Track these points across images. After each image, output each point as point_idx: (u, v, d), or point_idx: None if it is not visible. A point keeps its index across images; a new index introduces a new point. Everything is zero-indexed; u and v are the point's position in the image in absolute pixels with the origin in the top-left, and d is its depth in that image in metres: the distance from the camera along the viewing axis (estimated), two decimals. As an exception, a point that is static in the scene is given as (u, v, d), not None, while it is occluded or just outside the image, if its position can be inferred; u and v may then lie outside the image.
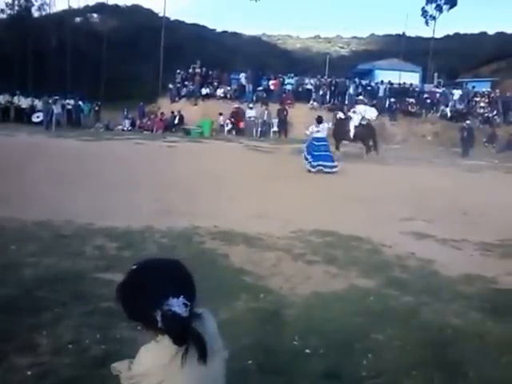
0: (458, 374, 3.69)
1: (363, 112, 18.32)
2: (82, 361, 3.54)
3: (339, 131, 17.68)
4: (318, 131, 14.18)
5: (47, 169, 11.58)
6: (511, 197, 11.62)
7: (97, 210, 8.07)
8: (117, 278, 5.34)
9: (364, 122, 17.88)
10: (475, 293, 5.33)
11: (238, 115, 25.55)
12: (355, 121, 17.73)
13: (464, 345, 4.12)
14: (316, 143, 13.95)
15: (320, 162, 13.76)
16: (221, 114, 25.56)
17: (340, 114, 18.57)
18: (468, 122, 23.52)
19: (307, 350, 3.83)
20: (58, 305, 4.39)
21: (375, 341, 4.08)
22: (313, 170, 13.73)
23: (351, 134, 17.61)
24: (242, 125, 25.58)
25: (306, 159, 14.03)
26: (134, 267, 1.61)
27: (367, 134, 17.92)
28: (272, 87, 28.23)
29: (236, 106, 26.11)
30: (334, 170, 13.90)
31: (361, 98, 24.01)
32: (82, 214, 7.62)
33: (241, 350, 3.57)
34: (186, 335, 1.50)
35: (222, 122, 25.77)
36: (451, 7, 55.48)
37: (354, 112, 18.18)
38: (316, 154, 13.81)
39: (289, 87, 28.59)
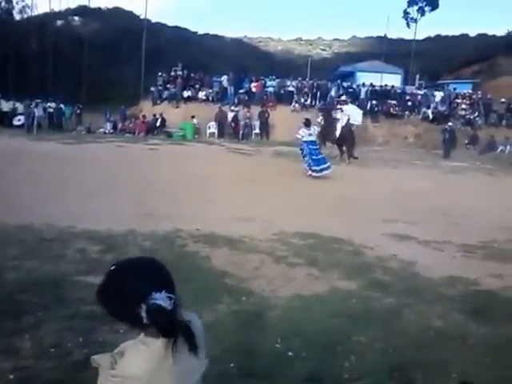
0: (441, 375, 3.72)
1: (351, 112, 18.43)
2: (64, 364, 3.52)
3: (327, 132, 17.68)
4: (310, 134, 14.09)
5: (29, 172, 11.45)
6: (493, 198, 11.79)
7: (79, 213, 8.02)
8: (98, 282, 5.31)
9: (350, 124, 18.02)
10: (457, 294, 5.38)
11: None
12: (343, 122, 17.82)
13: (446, 346, 4.15)
14: (312, 147, 13.90)
15: (322, 166, 13.77)
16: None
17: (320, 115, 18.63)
18: (450, 123, 23.76)
19: (289, 353, 3.83)
20: (40, 308, 4.36)
21: (357, 343, 4.09)
22: (317, 174, 13.66)
23: (337, 134, 17.67)
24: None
25: (309, 165, 13.86)
26: (113, 267, 1.61)
27: (349, 137, 18.02)
28: (254, 89, 28.23)
29: (219, 107, 26.04)
30: (330, 170, 13.95)
31: (343, 98, 24.10)
32: (64, 217, 7.56)
33: (222, 353, 3.57)
34: (173, 327, 1.49)
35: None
36: (433, 9, 56.11)
37: (342, 111, 18.23)
38: (316, 158, 13.79)
39: (270, 89, 28.60)
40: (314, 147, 13.95)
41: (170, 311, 1.49)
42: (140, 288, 1.52)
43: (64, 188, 10.07)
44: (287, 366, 3.68)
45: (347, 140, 17.98)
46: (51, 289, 4.80)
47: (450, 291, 5.45)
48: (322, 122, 17.96)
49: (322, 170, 13.75)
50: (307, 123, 14.39)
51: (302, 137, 14.12)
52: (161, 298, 1.49)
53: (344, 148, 18.07)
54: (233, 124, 25.30)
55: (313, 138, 14.10)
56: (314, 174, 13.64)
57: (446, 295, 5.31)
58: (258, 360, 3.71)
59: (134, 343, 1.57)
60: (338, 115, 18.24)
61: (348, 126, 17.92)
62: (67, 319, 4.19)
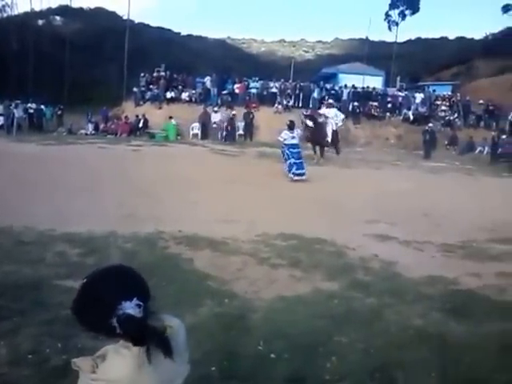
0: (421, 375, 3.75)
1: (334, 116, 18.54)
2: (42, 371, 3.46)
3: (318, 137, 17.66)
4: (293, 137, 13.91)
5: (8, 174, 11.31)
6: (472, 198, 11.93)
7: (59, 215, 7.92)
8: (78, 285, 5.26)
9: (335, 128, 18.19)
10: (437, 294, 5.43)
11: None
12: (333, 126, 17.94)
13: (426, 345, 4.18)
14: (294, 150, 13.74)
15: (301, 171, 13.63)
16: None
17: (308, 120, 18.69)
18: (430, 124, 24.01)
19: (272, 355, 3.83)
20: (18, 313, 4.29)
21: (339, 344, 4.11)
22: (297, 178, 13.50)
23: (328, 139, 17.78)
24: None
25: (290, 168, 13.68)
26: (83, 281, 1.61)
27: (335, 138, 18.24)
28: (237, 91, 28.21)
29: (203, 108, 25.98)
30: (304, 177, 13.74)
31: (330, 101, 24.27)
32: (44, 219, 7.46)
33: (204, 356, 3.55)
34: (143, 335, 1.49)
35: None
36: (413, 13, 56.78)
37: (326, 117, 18.31)
38: (297, 162, 13.64)
39: (254, 91, 28.61)
40: (296, 150, 13.81)
41: (139, 319, 1.49)
42: (110, 299, 1.52)
43: (44, 190, 9.96)
44: (269, 368, 3.68)
45: (334, 141, 18.28)
46: (29, 293, 4.72)
47: (430, 291, 5.50)
48: (312, 127, 17.97)
49: (301, 175, 13.63)
50: (291, 126, 14.25)
51: (285, 139, 13.99)
52: (130, 307, 1.50)
53: (318, 148, 18.10)
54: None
55: (295, 141, 13.95)
56: (294, 177, 13.54)
57: (426, 295, 5.36)
58: (239, 362, 3.70)
59: (115, 347, 1.57)
60: (326, 119, 18.38)
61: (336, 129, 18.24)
62: (46, 324, 4.12)
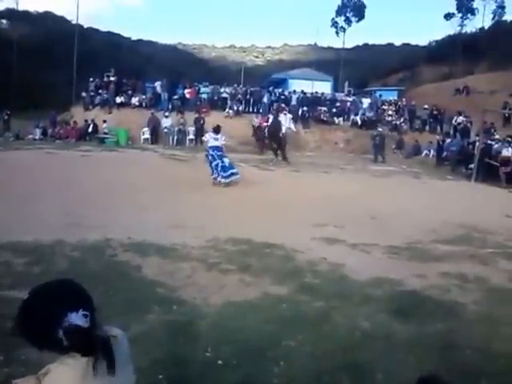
0: (367, 376, 3.84)
1: (284, 122, 18.87)
2: (-18, 386, 3.36)
3: (273, 132, 18.30)
4: (215, 139, 13.65)
5: None
6: (418, 200, 12.29)
7: (2, 223, 7.67)
8: (24, 296, 5.13)
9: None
10: (383, 295, 5.55)
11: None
12: (286, 124, 18.35)
13: (372, 347, 4.28)
14: (217, 153, 13.53)
15: (231, 171, 13.47)
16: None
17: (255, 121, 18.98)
18: (380, 129, 24.57)
19: (219, 361, 3.83)
20: (-43, 327, 4.13)
21: (287, 348, 4.15)
22: (226, 180, 13.32)
23: (281, 136, 18.24)
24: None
25: (214, 171, 13.45)
26: (26, 297, 1.59)
27: (283, 142, 18.62)
28: (188, 96, 28.09)
29: (152, 113, 25.72)
30: (238, 176, 13.65)
31: (283, 105, 24.63)
32: (-14, 229, 7.23)
33: (151, 365, 3.53)
34: (91, 345, 1.50)
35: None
36: (359, 20, 58.13)
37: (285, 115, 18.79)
38: (222, 164, 13.42)
39: (204, 96, 28.58)
40: (220, 153, 13.55)
41: (86, 329, 1.49)
42: (55, 310, 1.51)
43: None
44: (217, 374, 3.68)
45: (282, 145, 18.60)
46: (-30, 306, 4.56)
47: (377, 292, 5.62)
48: (269, 122, 18.37)
49: (230, 176, 13.41)
50: (216, 129, 14.04)
51: (208, 141, 13.89)
52: (76, 318, 1.49)
53: (279, 152, 18.62)
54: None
55: (218, 144, 13.64)
56: (222, 180, 13.31)
57: (372, 296, 5.47)
58: (187, 370, 3.69)
59: (58, 363, 1.56)
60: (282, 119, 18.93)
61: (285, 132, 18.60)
62: (-13, 336, 3.99)
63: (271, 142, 18.30)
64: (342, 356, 4.08)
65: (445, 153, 22.30)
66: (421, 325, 4.79)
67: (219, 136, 13.76)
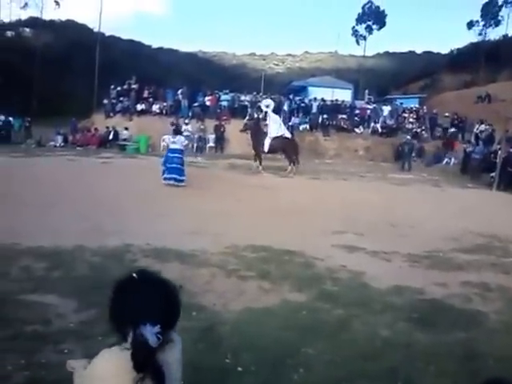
0: (386, 384, 3.80)
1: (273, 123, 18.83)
2: (3, 389, 3.39)
3: (256, 145, 18.19)
4: (173, 142, 13.67)
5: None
6: (439, 208, 12.16)
7: (24, 228, 7.76)
8: (44, 300, 5.21)
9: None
10: (403, 304, 5.50)
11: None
12: (271, 134, 18.27)
13: (392, 355, 4.23)
14: (170, 155, 13.53)
15: (173, 175, 13.41)
16: (126, 129, 25.59)
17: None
18: (408, 137, 24.49)
19: (239, 368, 3.82)
20: (-20, 329, 4.18)
21: (306, 355, 4.12)
22: (165, 182, 13.35)
23: (265, 147, 18.14)
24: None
25: (163, 172, 13.56)
26: (132, 276, 1.66)
27: (289, 146, 18.61)
28: (208, 103, 28.26)
29: (172, 121, 25.89)
30: (182, 184, 13.46)
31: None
32: (8, 233, 7.30)
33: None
34: (147, 364, 1.49)
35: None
36: (381, 27, 57.94)
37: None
38: (169, 166, 13.44)
39: (225, 103, 28.71)
40: (175, 155, 13.48)
41: (152, 348, 1.49)
42: (138, 313, 1.55)
43: (10, 203, 9.76)
44: (236, 381, 3.67)
45: (287, 150, 18.46)
46: (-7, 308, 4.62)
47: (397, 301, 5.57)
48: (249, 136, 18.45)
49: (171, 179, 13.35)
50: (175, 131, 14.13)
51: (167, 144, 13.91)
52: (150, 333, 1.49)
53: (287, 157, 18.55)
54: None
55: (175, 146, 13.59)
56: (163, 181, 13.36)
57: (392, 305, 5.42)
58: (207, 377, 3.67)
59: (107, 350, 1.58)
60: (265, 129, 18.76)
61: (282, 137, 18.40)
62: (9, 340, 4.02)
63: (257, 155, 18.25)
64: (362, 364, 4.03)
65: (471, 161, 21.94)
66: (442, 334, 4.73)
67: (177, 138, 13.76)
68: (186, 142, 14.14)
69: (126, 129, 25.59)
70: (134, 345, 1.48)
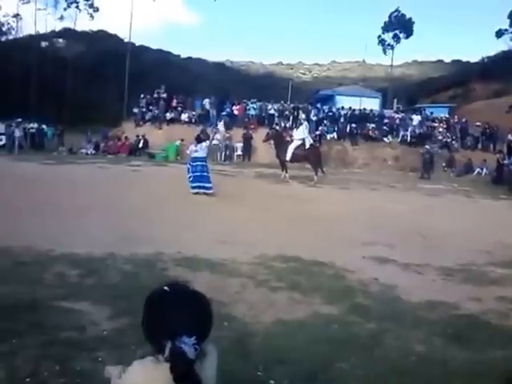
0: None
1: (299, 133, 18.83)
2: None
3: (279, 153, 18.47)
4: (196, 151, 13.65)
5: (8, 192, 11.32)
6: (470, 220, 11.93)
7: (58, 235, 7.88)
8: (77, 307, 5.27)
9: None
10: (438, 319, 5.36)
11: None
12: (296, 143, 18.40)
13: (427, 372, 4.14)
14: (193, 163, 13.51)
15: (199, 184, 13.39)
16: (182, 140, 25.40)
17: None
18: (427, 146, 24.16)
19: (272, 382, 3.78)
20: (16, 335, 4.21)
21: (339, 370, 4.05)
22: (193, 191, 13.34)
23: (287, 156, 18.21)
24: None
25: (189, 181, 13.56)
26: (164, 289, 1.64)
27: (312, 155, 18.64)
28: (236, 112, 28.45)
29: (202, 129, 26.06)
30: (210, 191, 13.45)
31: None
32: (43, 240, 7.43)
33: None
34: (187, 376, 1.49)
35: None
36: (408, 36, 57.44)
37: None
38: (194, 174, 13.41)
39: (252, 112, 28.85)
40: (198, 163, 13.45)
41: (190, 360, 1.49)
42: (174, 325, 1.55)
43: (44, 209, 9.94)
44: (269, 394, 3.64)
45: (311, 158, 18.42)
46: (27, 315, 4.64)
47: (431, 315, 5.45)
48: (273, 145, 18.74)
49: (200, 188, 13.35)
50: (197, 138, 14.10)
51: (190, 152, 13.89)
52: (188, 345, 1.50)
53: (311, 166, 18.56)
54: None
55: (198, 155, 13.56)
56: (191, 190, 13.33)
57: (426, 319, 5.31)
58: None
59: (141, 360, 1.60)
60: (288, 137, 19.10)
61: (304, 147, 18.39)
62: (44, 347, 4.06)
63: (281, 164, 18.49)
64: (398, 380, 3.95)
65: (505, 172, 21.53)
66: (478, 351, 4.60)
67: (200, 146, 13.71)
68: (207, 149, 14.13)
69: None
70: (172, 357, 1.48)
